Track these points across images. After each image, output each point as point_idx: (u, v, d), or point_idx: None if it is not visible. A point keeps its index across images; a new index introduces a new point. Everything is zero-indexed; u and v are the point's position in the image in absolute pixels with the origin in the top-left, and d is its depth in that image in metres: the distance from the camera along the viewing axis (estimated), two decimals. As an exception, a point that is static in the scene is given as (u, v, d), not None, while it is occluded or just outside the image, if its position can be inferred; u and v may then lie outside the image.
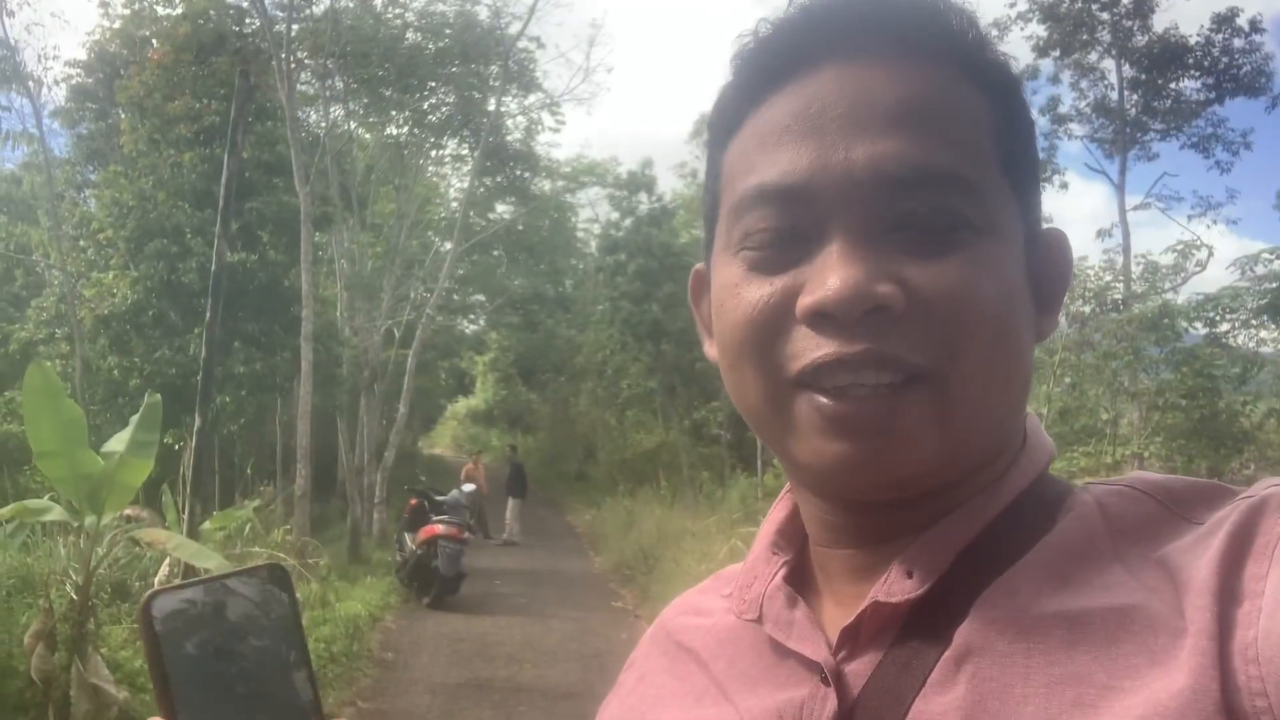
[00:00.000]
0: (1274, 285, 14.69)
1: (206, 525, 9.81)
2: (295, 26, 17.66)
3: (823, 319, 0.62)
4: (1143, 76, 21.89)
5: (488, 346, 41.22)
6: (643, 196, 26.55)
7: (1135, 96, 22.32)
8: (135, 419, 6.72)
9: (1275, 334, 15.25)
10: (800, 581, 0.74)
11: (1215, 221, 21.87)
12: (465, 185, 23.29)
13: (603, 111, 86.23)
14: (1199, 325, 14.55)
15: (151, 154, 18.26)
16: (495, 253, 31.08)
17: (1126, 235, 20.96)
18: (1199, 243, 16.39)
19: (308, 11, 18.46)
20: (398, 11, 20.62)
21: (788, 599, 0.72)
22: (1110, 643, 0.56)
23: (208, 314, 8.54)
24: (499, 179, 25.90)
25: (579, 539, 20.46)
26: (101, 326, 17.69)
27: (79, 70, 21.99)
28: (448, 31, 20.80)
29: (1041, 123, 24.14)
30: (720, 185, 0.72)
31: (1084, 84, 22.97)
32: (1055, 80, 23.33)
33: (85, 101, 22.38)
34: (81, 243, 19.77)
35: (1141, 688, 0.54)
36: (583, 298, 34.08)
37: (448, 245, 21.51)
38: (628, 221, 26.64)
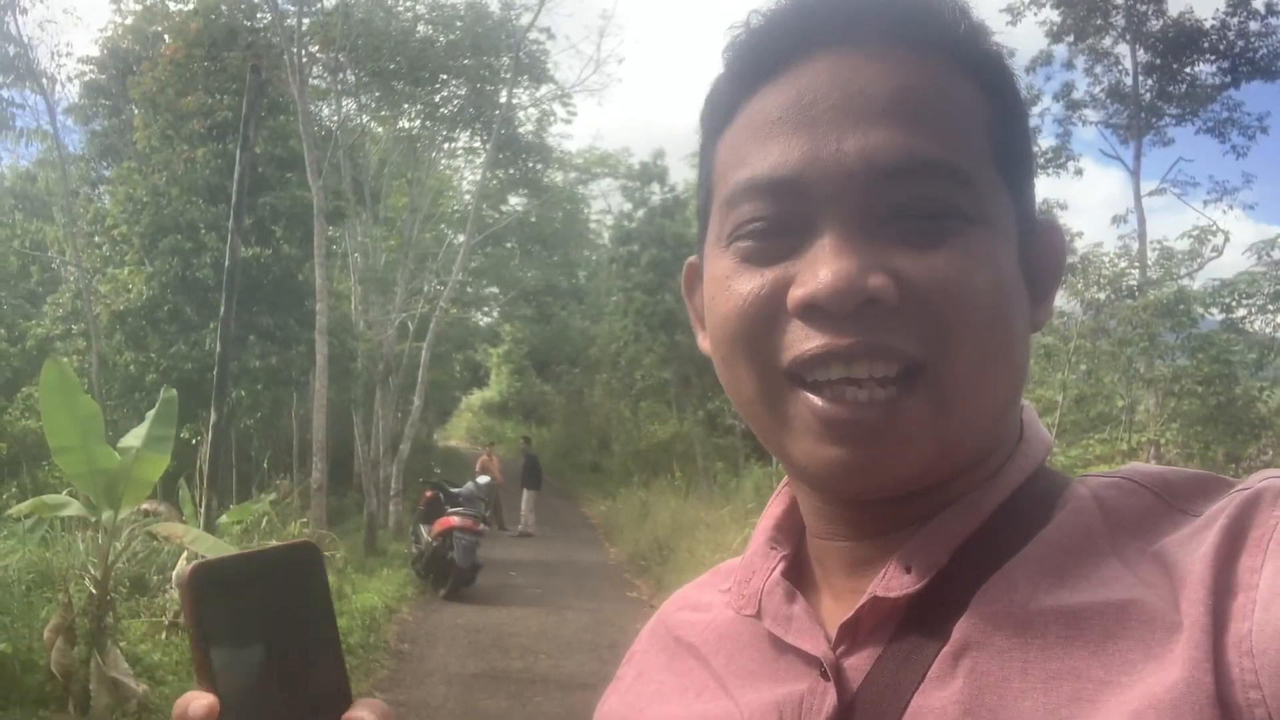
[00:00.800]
0: (1290, 270, 14.57)
1: (223, 519, 9.87)
2: (306, 20, 17.68)
3: (814, 311, 0.62)
4: (1157, 61, 21.71)
5: (502, 339, 41.28)
6: (655, 187, 26.54)
7: (1150, 81, 22.14)
8: (151, 414, 6.76)
9: (1292, 319, 15.13)
10: (798, 576, 0.75)
11: (1231, 206, 21.70)
12: (478, 178, 23.29)
13: (614, 102, 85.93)
14: (1215, 311, 14.43)
15: (165, 150, 18.33)
16: (508, 245, 31.12)
17: (1142, 221, 20.84)
18: (1215, 228, 16.26)
19: (319, 5, 18.46)
20: (408, 4, 20.64)
21: (786, 594, 0.72)
22: (1107, 638, 0.56)
23: (222, 309, 8.60)
24: (511, 171, 25.91)
25: (594, 530, 20.48)
26: (117, 322, 17.78)
27: (92, 67, 22.09)
28: (458, 24, 20.79)
29: (1055, 108, 24.03)
30: (713, 178, 0.72)
31: (1098, 69, 22.81)
32: (1069, 66, 23.20)
33: (99, 98, 22.46)
34: (96, 239, 19.86)
35: (1138, 682, 0.54)
36: (596, 289, 34.07)
37: (461, 238, 21.51)
38: (640, 212, 26.64)
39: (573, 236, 34.27)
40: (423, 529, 13.42)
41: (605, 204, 34.79)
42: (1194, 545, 0.58)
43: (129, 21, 20.55)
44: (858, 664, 0.65)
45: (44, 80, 19.88)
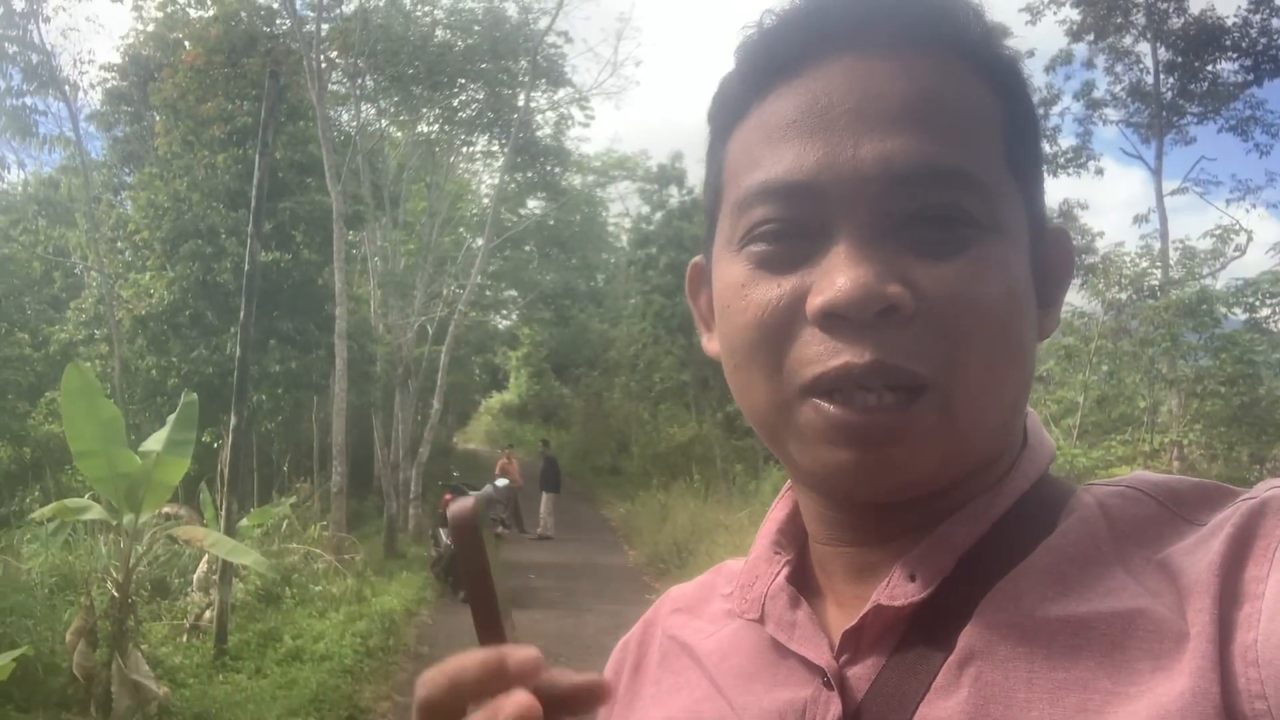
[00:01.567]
0: (1315, 269, 14.46)
1: (244, 522, 9.95)
2: (325, 26, 17.79)
3: (833, 319, 0.61)
4: (1179, 59, 21.58)
5: (520, 342, 41.38)
6: (673, 190, 26.59)
7: (1171, 80, 22.02)
8: (172, 418, 6.81)
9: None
10: (802, 581, 0.74)
11: (1255, 205, 21.59)
12: (496, 181, 23.36)
13: (632, 105, 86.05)
14: (1238, 311, 14.34)
15: (186, 155, 18.46)
16: (527, 248, 31.19)
17: (1164, 220, 20.74)
18: (1238, 227, 16.19)
19: (337, 11, 18.61)
20: (427, 9, 20.74)
21: (790, 599, 0.72)
22: (1114, 648, 0.56)
23: (242, 313, 8.65)
24: (529, 174, 25.97)
25: (613, 533, 20.48)
26: (139, 327, 17.90)
27: (114, 74, 22.27)
28: (476, 28, 20.88)
29: (1076, 108, 23.96)
30: (723, 179, 0.71)
31: (1119, 68, 22.72)
32: (1089, 65, 23.12)
33: (120, 105, 22.65)
34: (118, 244, 20.03)
35: (1145, 693, 0.53)
36: (614, 292, 34.13)
37: (479, 241, 21.58)
38: (658, 215, 26.69)
39: (591, 239, 34.33)
40: (442, 532, 13.45)
41: (623, 207, 34.92)
42: (1200, 554, 0.57)
43: (150, 29, 20.74)
44: (861, 673, 0.65)
45: (67, 87, 20.06)
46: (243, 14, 19.25)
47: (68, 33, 37.01)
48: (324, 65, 17.21)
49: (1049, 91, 23.71)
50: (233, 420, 8.62)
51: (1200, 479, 0.66)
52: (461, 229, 27.03)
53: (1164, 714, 0.52)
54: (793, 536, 0.77)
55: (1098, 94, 23.01)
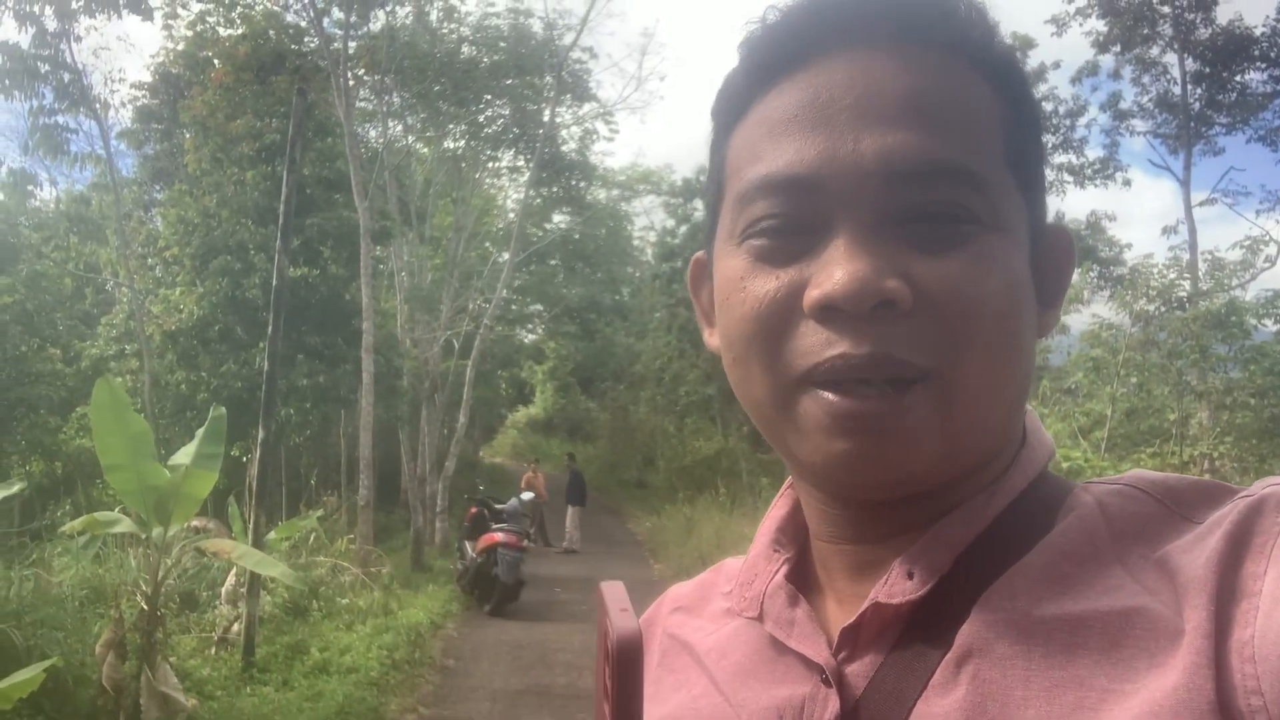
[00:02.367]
0: (1347, 280, 14.28)
1: (272, 535, 9.98)
2: (353, 44, 17.93)
3: (830, 312, 0.61)
4: (1206, 70, 21.43)
5: (546, 355, 41.46)
6: (698, 203, 26.54)
7: (1199, 90, 21.86)
8: (201, 432, 6.84)
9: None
10: (801, 579, 0.75)
11: (1285, 215, 21.33)
12: (521, 196, 23.50)
13: (656, 119, 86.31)
14: (1268, 322, 14.16)
15: (215, 172, 18.65)
16: (552, 262, 31.28)
17: (1193, 231, 20.57)
18: (1268, 238, 16.01)
19: (365, 29, 18.73)
20: (453, 26, 20.87)
21: (789, 597, 0.72)
22: (1111, 646, 0.56)
23: (270, 328, 8.72)
24: (555, 189, 26.08)
25: (639, 546, 20.43)
26: (169, 342, 18.07)
27: (144, 92, 22.58)
28: (502, 44, 21.00)
29: (1103, 119, 23.78)
30: (724, 173, 0.71)
31: (1146, 79, 22.59)
32: (1116, 76, 23.04)
33: (150, 122, 22.95)
34: (149, 261, 20.26)
35: (1141, 690, 0.53)
36: (640, 305, 34.14)
37: (505, 256, 21.68)
38: (683, 228, 26.71)
39: (616, 253, 34.38)
40: (467, 545, 13.47)
41: (648, 220, 35.00)
42: (1197, 552, 0.57)
43: (180, 47, 20.98)
44: (859, 670, 0.65)
45: (98, 106, 20.27)
46: (271, 33, 19.45)
47: (99, 52, 37.42)
48: (351, 83, 17.35)
49: (1075, 103, 23.65)
50: (261, 434, 8.68)
51: (1198, 477, 0.65)
52: (487, 244, 27.15)
53: (1158, 710, 0.52)
54: (792, 535, 0.78)
55: (1125, 105, 22.93)
